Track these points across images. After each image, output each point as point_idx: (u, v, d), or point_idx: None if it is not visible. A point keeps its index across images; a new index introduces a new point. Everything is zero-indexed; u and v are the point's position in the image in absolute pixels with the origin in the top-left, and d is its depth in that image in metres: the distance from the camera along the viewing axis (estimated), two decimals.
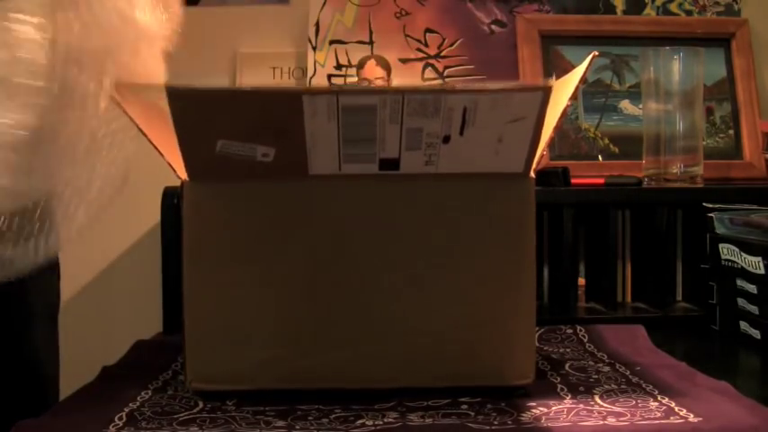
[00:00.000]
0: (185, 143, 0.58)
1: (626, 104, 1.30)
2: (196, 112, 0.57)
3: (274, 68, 1.36)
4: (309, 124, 0.57)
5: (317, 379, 0.63)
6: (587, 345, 0.80)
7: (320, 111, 0.56)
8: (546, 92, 0.56)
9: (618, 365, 0.72)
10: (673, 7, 1.36)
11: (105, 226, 1.29)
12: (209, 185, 0.61)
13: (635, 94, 1.29)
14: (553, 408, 0.60)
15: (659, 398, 0.62)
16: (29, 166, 0.59)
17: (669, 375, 0.68)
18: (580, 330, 0.84)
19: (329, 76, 1.32)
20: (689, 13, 1.36)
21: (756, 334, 0.89)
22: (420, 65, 1.33)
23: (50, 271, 0.81)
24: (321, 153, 0.59)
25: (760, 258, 0.87)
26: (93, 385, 0.68)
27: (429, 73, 1.33)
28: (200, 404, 0.62)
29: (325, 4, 1.33)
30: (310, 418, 0.58)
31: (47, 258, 0.62)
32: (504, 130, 0.58)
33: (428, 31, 1.34)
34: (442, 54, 1.33)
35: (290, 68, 1.36)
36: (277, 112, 0.56)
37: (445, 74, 1.32)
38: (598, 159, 1.27)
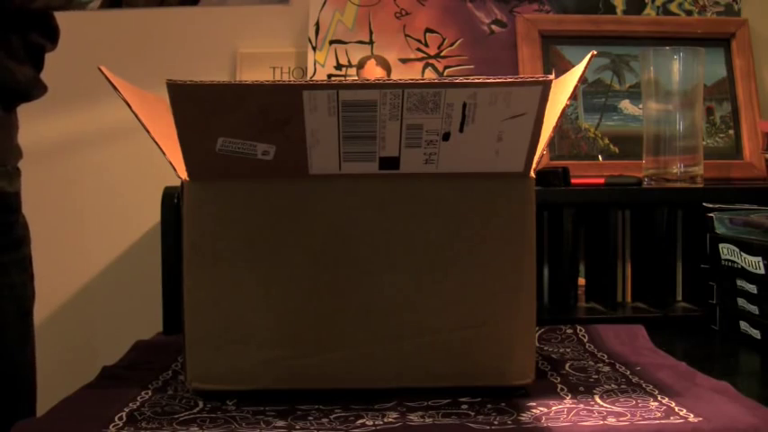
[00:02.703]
0: (186, 139, 0.58)
1: (626, 104, 1.30)
2: (197, 107, 0.57)
3: (274, 68, 1.36)
4: (309, 120, 0.57)
5: (317, 379, 0.63)
6: (587, 345, 0.80)
7: (320, 105, 0.56)
8: (545, 86, 0.56)
9: (618, 365, 0.72)
10: (673, 7, 1.36)
11: (106, 226, 1.30)
12: (209, 185, 0.61)
13: (635, 94, 1.29)
14: (553, 408, 0.60)
15: (659, 398, 0.62)
16: None
17: (669, 375, 0.68)
18: (580, 330, 0.84)
19: (329, 77, 1.32)
20: (689, 13, 1.36)
21: (756, 334, 0.89)
22: (420, 65, 1.33)
23: (20, 270, 0.80)
24: (321, 151, 0.59)
25: (760, 258, 0.87)
26: (93, 385, 0.68)
27: (429, 73, 1.33)
28: (201, 404, 0.62)
29: (325, 3, 1.33)
30: (310, 418, 0.58)
31: None
32: (503, 127, 0.58)
33: (428, 31, 1.34)
34: (442, 54, 1.33)
35: (289, 68, 1.36)
36: (277, 107, 0.56)
37: (445, 74, 1.32)
38: (598, 159, 1.27)
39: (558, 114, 0.62)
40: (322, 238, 0.62)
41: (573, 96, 0.63)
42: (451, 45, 1.33)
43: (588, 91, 1.30)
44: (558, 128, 0.83)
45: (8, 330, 0.79)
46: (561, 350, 0.78)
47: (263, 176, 0.61)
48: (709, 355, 0.91)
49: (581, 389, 0.65)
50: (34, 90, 0.79)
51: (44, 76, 0.81)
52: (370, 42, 1.33)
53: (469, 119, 0.57)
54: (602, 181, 1.16)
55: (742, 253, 0.91)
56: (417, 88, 0.55)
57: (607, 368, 0.71)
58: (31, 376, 0.82)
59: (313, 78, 1.30)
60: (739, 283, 0.92)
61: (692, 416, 0.57)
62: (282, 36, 1.38)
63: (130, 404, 0.62)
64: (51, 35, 0.81)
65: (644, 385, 0.65)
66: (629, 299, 1.20)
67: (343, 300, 0.62)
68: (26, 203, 0.81)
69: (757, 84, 1.32)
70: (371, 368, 0.63)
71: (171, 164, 0.62)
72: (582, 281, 1.20)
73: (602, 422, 0.56)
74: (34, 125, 1.03)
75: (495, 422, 0.57)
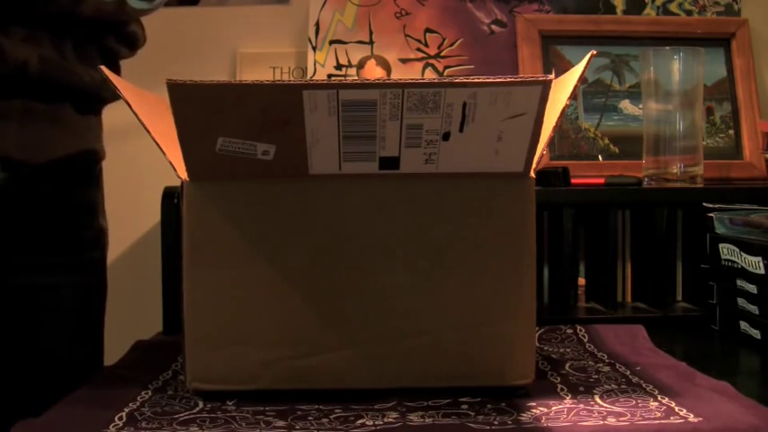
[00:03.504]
0: (186, 139, 0.58)
1: (626, 104, 1.30)
2: (197, 106, 0.57)
3: (274, 68, 1.36)
4: (309, 120, 0.57)
5: (317, 379, 0.63)
6: (587, 345, 0.80)
7: (320, 105, 0.56)
8: (545, 86, 0.56)
9: (618, 365, 0.72)
10: (673, 7, 1.36)
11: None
12: (209, 185, 0.61)
13: (635, 94, 1.29)
14: (553, 408, 0.60)
15: (659, 398, 0.62)
16: None
17: (669, 375, 0.68)
18: (580, 330, 0.84)
19: (329, 77, 1.32)
20: (689, 13, 1.36)
21: (756, 334, 0.89)
22: (420, 65, 1.33)
23: (76, 273, 0.81)
24: (321, 151, 0.59)
25: (760, 258, 0.87)
26: (93, 385, 0.68)
27: (429, 73, 1.33)
28: (201, 404, 0.62)
29: (325, 3, 1.33)
30: (310, 418, 0.58)
31: None
32: (503, 127, 0.58)
33: (428, 31, 1.34)
34: (442, 54, 1.33)
35: (289, 68, 1.36)
36: (277, 107, 0.56)
37: (445, 74, 1.32)
38: (598, 159, 1.27)
39: (558, 114, 0.62)
40: (322, 238, 0.62)
41: (573, 96, 0.64)
42: (451, 45, 1.33)
43: (588, 91, 1.30)
44: (558, 128, 0.83)
45: (53, 329, 0.79)
46: (561, 350, 0.78)
47: (263, 176, 0.61)
48: (709, 355, 0.91)
49: (581, 389, 0.65)
50: (104, 92, 0.80)
51: None
52: (370, 42, 1.33)
53: (469, 119, 0.57)
54: (602, 181, 1.16)
55: (742, 253, 0.91)
56: (417, 88, 0.55)
57: (607, 368, 0.71)
58: (68, 379, 0.81)
59: (313, 78, 1.30)
60: (739, 283, 0.92)
61: (692, 416, 0.57)
62: (282, 36, 1.38)
63: (130, 404, 0.62)
64: (128, 42, 0.84)
65: (644, 385, 0.65)
66: (629, 299, 1.20)
67: (342, 300, 0.62)
68: None
69: (757, 84, 1.33)
70: (371, 368, 0.63)
71: (171, 164, 0.62)
72: (582, 281, 1.20)
73: (602, 422, 0.56)
74: None
75: (495, 422, 0.57)
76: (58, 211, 0.79)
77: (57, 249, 0.79)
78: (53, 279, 0.79)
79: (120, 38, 0.82)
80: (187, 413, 0.60)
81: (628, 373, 0.69)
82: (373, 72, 1.25)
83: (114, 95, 0.82)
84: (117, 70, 0.83)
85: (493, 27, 1.34)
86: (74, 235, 0.81)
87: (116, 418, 0.58)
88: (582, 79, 0.63)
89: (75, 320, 0.81)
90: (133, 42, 0.84)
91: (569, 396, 0.63)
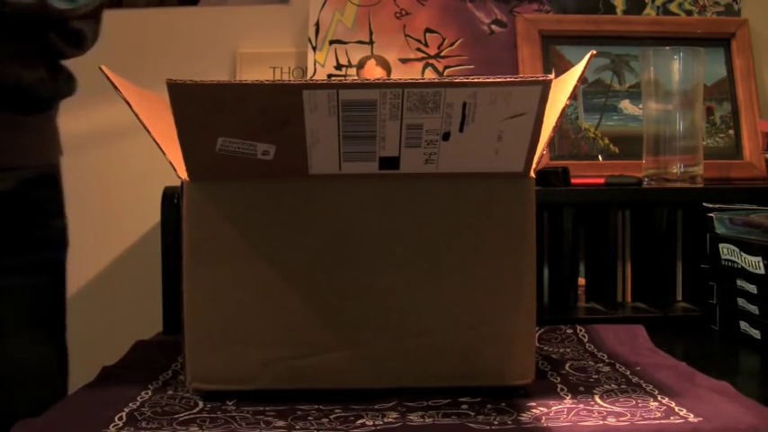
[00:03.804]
0: (186, 139, 0.58)
1: (626, 104, 1.30)
2: (197, 107, 0.57)
3: (274, 68, 1.36)
4: (309, 120, 0.57)
5: (317, 379, 0.63)
6: (587, 345, 0.80)
7: (320, 105, 0.56)
8: (545, 86, 0.56)
9: (618, 365, 0.72)
10: (673, 7, 1.36)
11: (105, 226, 1.30)
12: (209, 185, 0.61)
13: (635, 94, 1.29)
14: (553, 408, 0.60)
15: (659, 398, 0.62)
16: None
17: (669, 375, 0.68)
18: (580, 330, 0.84)
19: (329, 77, 1.32)
20: (689, 13, 1.36)
21: (756, 334, 0.89)
22: (420, 65, 1.33)
23: (32, 274, 0.80)
24: (321, 151, 0.59)
25: (760, 258, 0.87)
26: (93, 385, 0.68)
27: (429, 73, 1.33)
28: (201, 404, 0.62)
29: (325, 3, 1.33)
30: (310, 418, 0.58)
31: None
32: (503, 127, 0.58)
33: (428, 31, 1.34)
34: (442, 54, 1.33)
35: (289, 68, 1.36)
36: (277, 107, 0.57)
37: (445, 74, 1.32)
38: (598, 159, 1.27)
39: (558, 114, 0.62)
40: (322, 238, 0.62)
41: (573, 96, 0.63)
42: (451, 45, 1.33)
43: (588, 91, 1.30)
44: (558, 128, 0.83)
45: (9, 339, 0.78)
46: (561, 350, 0.78)
47: (263, 176, 0.61)
48: (709, 355, 0.91)
49: (581, 389, 0.65)
50: (43, 92, 0.79)
51: None
52: (370, 42, 1.33)
53: (469, 119, 0.57)
54: (602, 181, 1.15)
55: (742, 253, 0.91)
56: (417, 88, 0.55)
57: (607, 368, 0.71)
58: (31, 389, 0.80)
59: (313, 78, 1.30)
60: (739, 283, 0.92)
61: (691, 416, 0.57)
62: (282, 36, 1.38)
63: (130, 404, 0.62)
64: (74, 40, 0.80)
65: (644, 385, 0.65)
66: (629, 299, 1.20)
67: (342, 300, 0.62)
68: None
69: (757, 84, 1.32)
70: (371, 368, 0.63)
71: (171, 164, 0.62)
72: (582, 281, 1.20)
73: (602, 422, 0.56)
74: None
75: (495, 422, 0.57)
76: (10, 212, 0.78)
77: (8, 251, 0.78)
78: (5, 281, 0.77)
79: (64, 36, 0.79)
80: (187, 413, 0.60)
81: (628, 373, 0.69)
82: (373, 72, 1.25)
83: (59, 93, 0.81)
84: (60, 69, 0.81)
85: (493, 27, 1.34)
86: (27, 235, 0.80)
87: (116, 418, 0.58)
88: (582, 79, 0.63)
89: (30, 321, 0.80)
90: (80, 41, 0.81)
91: (569, 396, 0.63)
